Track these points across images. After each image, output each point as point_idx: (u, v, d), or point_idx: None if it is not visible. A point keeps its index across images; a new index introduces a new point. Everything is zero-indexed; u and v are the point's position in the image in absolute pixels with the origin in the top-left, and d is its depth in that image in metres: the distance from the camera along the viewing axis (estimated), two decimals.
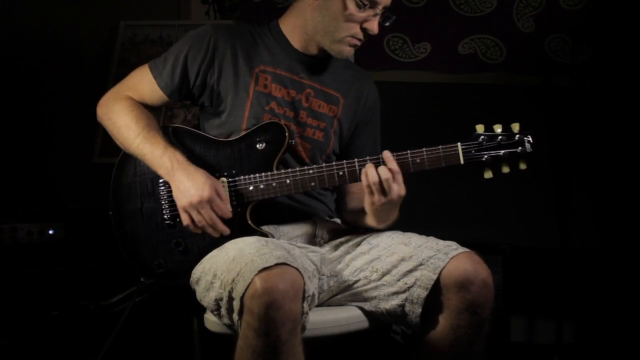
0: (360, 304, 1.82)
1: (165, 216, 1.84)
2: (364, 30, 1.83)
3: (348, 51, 1.86)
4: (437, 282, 1.69)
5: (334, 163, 1.78)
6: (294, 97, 1.90)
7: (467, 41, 3.09)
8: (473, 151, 1.71)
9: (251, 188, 1.80)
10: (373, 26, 1.82)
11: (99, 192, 2.08)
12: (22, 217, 2.50)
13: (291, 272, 1.56)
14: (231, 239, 1.77)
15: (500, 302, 2.56)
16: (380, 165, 1.71)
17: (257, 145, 1.83)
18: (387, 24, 1.85)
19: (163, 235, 1.84)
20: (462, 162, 1.72)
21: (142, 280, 1.88)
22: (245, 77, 1.87)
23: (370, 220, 1.84)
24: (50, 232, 2.50)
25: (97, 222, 2.57)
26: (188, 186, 1.74)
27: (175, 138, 1.86)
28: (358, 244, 1.88)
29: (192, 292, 1.81)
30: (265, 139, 1.83)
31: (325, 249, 1.92)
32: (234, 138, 1.86)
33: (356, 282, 1.82)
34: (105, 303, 2.43)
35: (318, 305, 1.80)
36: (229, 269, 1.62)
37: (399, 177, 1.71)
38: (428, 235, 1.84)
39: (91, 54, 3.19)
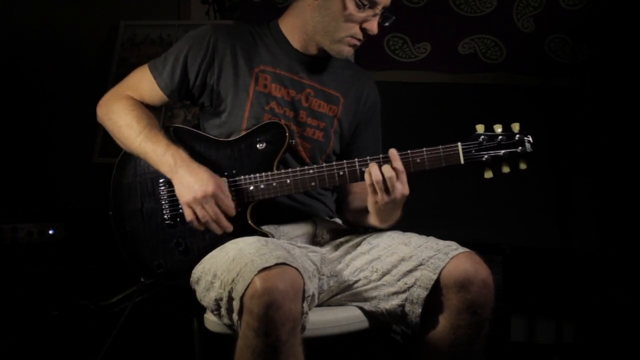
0: (360, 304, 1.82)
1: (166, 216, 1.84)
2: (363, 30, 1.83)
3: (347, 51, 1.86)
4: (437, 282, 1.69)
5: (334, 163, 1.78)
6: (293, 97, 1.90)
7: (467, 41, 3.09)
8: (473, 151, 1.71)
9: (251, 188, 1.80)
10: (372, 26, 1.82)
11: (99, 192, 2.08)
12: (22, 217, 2.50)
13: (291, 272, 1.56)
14: (232, 238, 1.77)
15: (500, 302, 2.56)
16: (383, 164, 1.71)
17: (258, 145, 1.83)
18: (387, 24, 1.85)
19: (163, 235, 1.84)
20: (462, 162, 1.72)
21: (142, 280, 1.88)
22: (245, 77, 1.87)
23: (372, 220, 1.84)
24: (50, 232, 2.50)
25: (97, 222, 2.57)
26: (192, 182, 1.73)
27: (176, 138, 1.86)
28: (358, 244, 1.88)
29: (192, 292, 1.81)
30: (266, 138, 1.83)
31: (326, 249, 1.92)
32: (234, 138, 1.86)
33: (356, 282, 1.82)
34: (105, 303, 2.43)
35: (318, 305, 1.80)
36: (229, 269, 1.62)
37: (403, 177, 1.71)
38: (428, 235, 1.84)
39: (91, 54, 3.19)
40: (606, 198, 2.98)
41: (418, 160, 1.73)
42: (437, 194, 2.93)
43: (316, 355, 1.66)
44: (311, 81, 1.93)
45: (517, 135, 1.70)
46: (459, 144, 1.72)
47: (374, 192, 1.72)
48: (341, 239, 1.94)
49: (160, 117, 2.85)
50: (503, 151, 1.70)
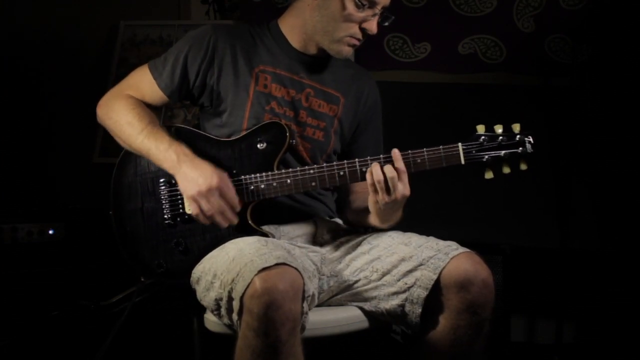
0: (360, 304, 1.82)
1: (166, 216, 1.84)
2: (362, 30, 1.83)
3: (347, 51, 1.86)
4: (437, 282, 1.69)
5: (334, 163, 1.78)
6: (293, 96, 1.90)
7: (467, 41, 3.09)
8: (474, 151, 1.71)
9: (252, 188, 1.80)
10: (372, 26, 1.82)
11: (99, 192, 2.08)
12: (22, 217, 2.50)
13: (291, 272, 1.56)
14: (232, 238, 1.77)
15: (500, 302, 2.56)
16: (385, 164, 1.71)
17: (258, 145, 1.83)
18: (387, 23, 1.85)
19: (163, 235, 1.84)
20: (462, 162, 1.72)
21: (142, 280, 1.88)
22: (245, 77, 1.87)
23: (373, 220, 1.84)
24: (50, 232, 2.50)
25: (97, 222, 2.57)
26: (196, 176, 1.73)
27: (177, 137, 1.86)
28: (358, 244, 1.88)
29: (192, 292, 1.81)
30: (266, 138, 1.83)
31: (326, 249, 1.92)
32: (234, 138, 1.86)
33: (356, 282, 1.82)
34: (105, 303, 2.43)
35: (318, 305, 1.81)
36: (228, 269, 1.62)
37: (405, 177, 1.71)
38: (428, 235, 1.84)
39: (91, 54, 3.19)
40: (606, 198, 2.98)
41: (419, 161, 1.73)
42: (437, 194, 2.93)
43: (316, 355, 1.65)
44: (311, 81, 1.93)
45: (518, 136, 1.70)
46: (460, 144, 1.72)
47: (375, 191, 1.72)
48: (341, 239, 1.94)
49: (160, 117, 2.85)
50: (504, 152, 1.70)
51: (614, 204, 2.97)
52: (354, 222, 1.99)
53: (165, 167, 1.79)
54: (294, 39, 1.91)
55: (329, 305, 1.87)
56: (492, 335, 1.75)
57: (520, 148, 1.70)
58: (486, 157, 1.71)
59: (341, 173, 1.77)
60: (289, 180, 1.79)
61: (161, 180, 1.85)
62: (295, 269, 1.57)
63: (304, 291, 1.58)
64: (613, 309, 2.89)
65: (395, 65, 3.13)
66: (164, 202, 1.84)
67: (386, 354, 2.38)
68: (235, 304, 1.57)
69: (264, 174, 1.79)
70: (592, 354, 2.96)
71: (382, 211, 1.78)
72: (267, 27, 1.95)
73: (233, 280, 1.58)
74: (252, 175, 1.80)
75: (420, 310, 1.72)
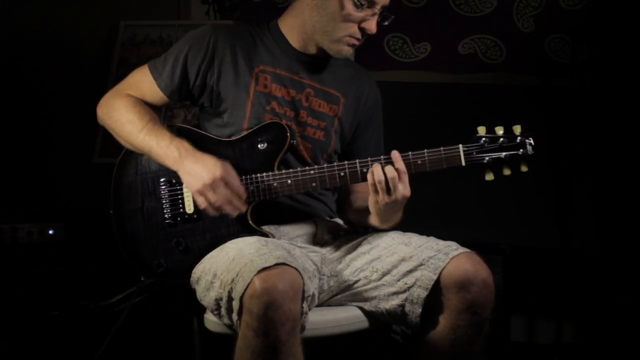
0: (360, 304, 1.82)
1: (166, 215, 1.84)
2: (362, 29, 1.83)
3: (347, 50, 1.86)
4: (437, 283, 1.69)
5: (335, 164, 1.78)
6: (294, 96, 1.90)
7: (467, 41, 3.09)
8: (474, 153, 1.71)
9: (252, 188, 1.80)
10: (371, 26, 1.82)
11: (99, 192, 2.08)
12: (22, 217, 2.50)
13: (290, 272, 1.56)
14: (233, 238, 1.77)
15: (500, 302, 2.56)
16: (386, 165, 1.71)
17: (259, 145, 1.83)
18: (386, 23, 1.85)
19: (163, 235, 1.84)
20: (463, 163, 1.72)
21: (142, 279, 1.88)
22: (245, 77, 1.87)
23: (373, 220, 1.85)
24: (50, 232, 2.50)
25: (97, 222, 2.57)
26: (199, 169, 1.73)
27: (178, 136, 1.86)
28: (358, 244, 1.88)
29: (192, 292, 1.81)
30: (267, 139, 1.83)
31: (326, 249, 1.92)
32: (235, 138, 1.86)
33: (356, 282, 1.82)
34: (105, 303, 2.43)
35: (318, 305, 1.80)
36: (228, 269, 1.62)
37: (405, 178, 1.71)
38: (428, 235, 1.84)
39: (91, 54, 3.19)
40: (606, 198, 2.98)
41: (419, 162, 1.73)
42: (437, 193, 2.93)
43: (316, 355, 1.65)
44: (311, 81, 1.93)
45: (519, 138, 1.70)
46: (460, 145, 1.72)
47: (376, 192, 1.72)
48: (341, 239, 1.94)
49: (160, 116, 2.84)
50: (504, 153, 1.70)
51: (614, 204, 2.97)
52: (354, 222, 1.99)
53: (167, 163, 1.79)
54: (294, 39, 1.91)
55: (329, 305, 1.87)
56: (492, 335, 1.75)
57: (521, 150, 1.70)
58: (487, 158, 1.71)
59: (342, 174, 1.77)
60: (289, 181, 1.79)
61: (161, 179, 1.85)
62: (295, 269, 1.57)
63: (303, 291, 1.58)
64: (613, 309, 2.89)
65: (395, 65, 3.14)
66: (164, 201, 1.84)
67: (386, 354, 2.38)
68: (235, 304, 1.57)
69: (264, 174, 1.79)
70: (592, 354, 2.96)
71: (383, 212, 1.78)
72: (267, 27, 1.95)
73: (233, 280, 1.58)
74: (253, 176, 1.80)
75: (420, 310, 1.72)
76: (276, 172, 1.80)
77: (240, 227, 1.80)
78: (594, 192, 2.99)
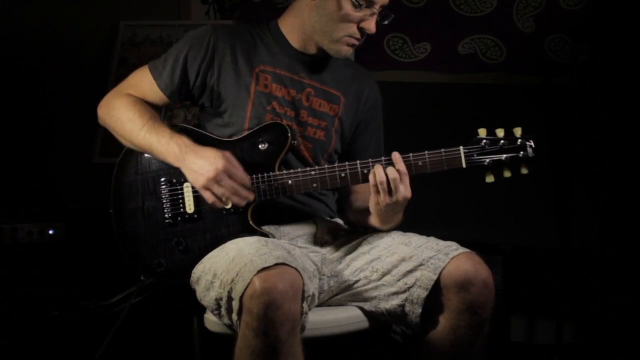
0: (360, 304, 1.82)
1: (166, 215, 1.84)
2: (361, 29, 1.83)
3: (346, 50, 1.86)
4: (437, 283, 1.69)
5: (336, 165, 1.78)
6: (294, 96, 1.90)
7: (467, 41, 3.09)
8: (475, 155, 1.72)
9: (252, 189, 1.79)
10: (370, 25, 1.82)
11: (99, 192, 2.08)
12: (22, 217, 2.50)
13: (290, 272, 1.56)
14: (233, 238, 1.77)
15: (500, 302, 2.56)
16: (387, 166, 1.71)
17: (260, 146, 1.83)
18: (386, 22, 1.85)
19: (164, 234, 1.84)
20: (464, 165, 1.72)
21: (142, 278, 1.88)
22: (246, 77, 1.87)
23: (373, 221, 1.85)
24: (50, 232, 2.50)
25: (97, 222, 2.57)
26: (201, 164, 1.73)
27: None
28: (359, 244, 1.88)
29: (192, 292, 1.81)
30: (268, 139, 1.83)
31: (326, 249, 1.92)
32: (236, 138, 1.86)
33: (356, 282, 1.82)
34: (105, 303, 2.43)
35: (318, 305, 1.81)
36: (228, 268, 1.62)
37: (406, 179, 1.71)
38: (428, 235, 1.84)
39: (91, 54, 3.19)
40: (606, 198, 2.98)
41: (420, 163, 1.73)
42: (436, 194, 2.93)
43: (316, 355, 1.65)
44: (311, 80, 1.93)
45: (519, 140, 1.70)
46: (461, 147, 1.72)
47: (377, 192, 1.73)
48: (342, 239, 1.94)
49: (160, 116, 2.85)
50: (505, 155, 1.71)
51: (614, 204, 2.97)
52: (354, 222, 1.99)
53: (169, 160, 1.79)
54: (294, 39, 1.91)
55: (329, 305, 1.87)
56: (492, 335, 1.75)
57: (522, 152, 1.70)
58: (487, 160, 1.71)
59: (342, 175, 1.77)
60: (290, 181, 1.79)
61: (162, 179, 1.85)
62: (295, 269, 1.57)
63: (303, 291, 1.58)
64: (613, 309, 2.89)
65: (395, 65, 3.13)
66: (164, 201, 1.84)
67: (386, 354, 2.38)
68: (235, 304, 1.57)
69: (265, 174, 1.79)
70: (592, 354, 2.96)
71: (383, 212, 1.78)
72: (267, 27, 1.95)
73: (233, 280, 1.58)
74: (254, 176, 1.80)
75: (420, 310, 1.72)
76: (277, 173, 1.80)
77: (241, 227, 1.81)
78: (594, 192, 2.99)
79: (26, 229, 2.47)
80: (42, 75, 3.16)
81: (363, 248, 1.86)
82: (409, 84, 3.11)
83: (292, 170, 1.80)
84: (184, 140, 1.78)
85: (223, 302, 1.64)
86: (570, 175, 2.89)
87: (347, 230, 2.00)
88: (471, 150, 1.72)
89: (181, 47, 1.89)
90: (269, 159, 1.82)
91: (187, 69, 1.88)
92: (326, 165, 1.79)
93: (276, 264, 1.55)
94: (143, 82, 1.91)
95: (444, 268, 1.69)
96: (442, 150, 1.72)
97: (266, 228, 1.83)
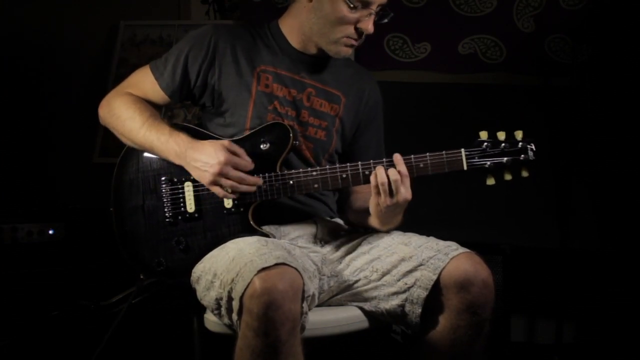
0: (360, 304, 1.82)
1: (167, 214, 1.84)
2: (358, 30, 1.83)
3: (345, 51, 1.86)
4: (437, 283, 1.69)
5: (337, 165, 1.78)
6: (295, 96, 1.90)
7: (467, 41, 3.09)
8: (476, 157, 1.72)
9: (253, 189, 1.79)
10: (367, 26, 1.82)
11: (99, 192, 2.09)
12: (22, 217, 2.50)
13: (290, 272, 1.56)
14: (234, 238, 1.77)
15: (500, 302, 2.56)
16: (389, 168, 1.71)
17: (261, 146, 1.83)
18: (386, 20, 1.84)
19: (164, 233, 1.84)
20: (465, 168, 1.72)
21: (141, 277, 1.88)
22: (247, 77, 1.87)
23: (373, 221, 1.85)
24: (50, 232, 2.50)
25: (97, 222, 2.57)
26: (204, 160, 1.73)
27: None
28: (358, 244, 1.88)
29: (192, 292, 1.81)
30: (270, 139, 1.83)
31: (326, 249, 1.92)
32: (237, 138, 1.85)
33: (356, 282, 1.82)
34: (105, 303, 2.43)
35: (318, 305, 1.80)
36: (228, 268, 1.62)
37: (407, 181, 1.71)
38: (428, 235, 1.84)
39: (91, 54, 3.19)
40: (606, 198, 2.98)
41: (421, 165, 1.73)
42: (436, 194, 2.93)
43: (316, 355, 1.65)
44: (312, 80, 1.93)
45: (520, 143, 1.71)
46: (462, 150, 1.72)
47: (378, 194, 1.73)
48: (342, 239, 1.94)
49: (160, 115, 2.85)
50: (506, 158, 1.71)
51: (614, 204, 2.97)
52: (354, 222, 1.99)
53: (170, 158, 1.80)
54: (294, 39, 1.91)
55: (329, 305, 1.87)
56: (492, 335, 1.75)
57: (522, 155, 1.70)
58: (488, 163, 1.72)
59: (344, 176, 1.77)
60: (291, 182, 1.79)
61: (163, 178, 1.85)
62: (295, 269, 1.57)
63: (303, 291, 1.58)
64: (613, 309, 2.89)
65: (395, 65, 3.13)
66: (165, 200, 1.84)
67: (386, 354, 2.38)
68: (235, 304, 1.57)
69: (266, 174, 1.79)
70: (592, 354, 2.96)
71: (384, 214, 1.78)
72: (268, 27, 1.95)
73: (233, 280, 1.58)
74: (254, 176, 1.79)
75: (420, 310, 1.72)
76: (278, 173, 1.80)
77: (241, 226, 1.81)
78: (594, 192, 2.99)
79: (26, 229, 2.47)
80: (42, 75, 3.16)
81: (363, 248, 1.86)
82: (409, 84, 3.12)
83: (293, 171, 1.80)
84: (183, 137, 1.78)
85: (223, 302, 1.64)
86: (570, 175, 2.89)
87: (348, 230, 2.00)
88: (472, 152, 1.72)
89: (182, 47, 1.89)
90: (271, 159, 1.82)
91: (188, 68, 1.88)
92: (327, 166, 1.79)
93: (276, 264, 1.55)
94: (144, 82, 1.91)
95: (443, 268, 1.69)
96: (444, 152, 1.73)
97: (266, 228, 1.83)
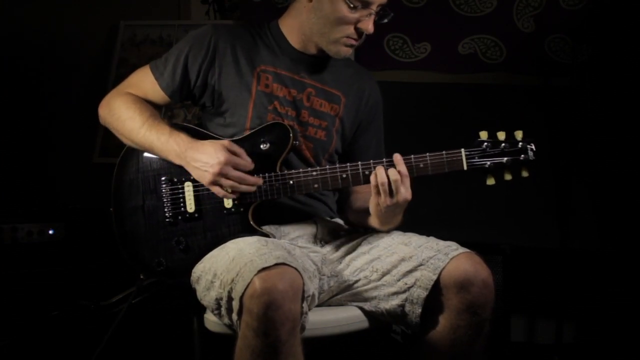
0: (360, 304, 1.82)
1: (167, 214, 1.84)
2: (358, 30, 1.83)
3: (345, 51, 1.86)
4: (437, 283, 1.69)
5: (337, 166, 1.78)
6: (295, 96, 1.90)
7: (467, 41, 3.09)
8: (476, 157, 1.72)
9: (254, 189, 1.80)
10: (367, 26, 1.82)
11: (99, 192, 2.08)
12: (22, 217, 2.50)
13: (290, 272, 1.56)
14: (234, 238, 1.77)
15: (500, 302, 2.56)
16: (389, 168, 1.72)
17: (261, 146, 1.83)
18: (386, 20, 1.84)
19: (164, 233, 1.84)
20: (465, 168, 1.73)
21: (141, 277, 1.88)
22: (247, 77, 1.87)
23: (373, 222, 1.85)
24: (50, 232, 2.50)
25: (97, 222, 2.57)
26: (204, 160, 1.73)
27: None
28: (358, 244, 1.88)
29: (192, 292, 1.81)
30: (270, 139, 1.83)
31: (326, 249, 1.92)
32: (237, 138, 1.85)
33: (356, 282, 1.82)
34: (105, 303, 2.43)
35: (318, 305, 1.80)
36: (228, 268, 1.62)
37: (407, 181, 1.72)
38: (428, 235, 1.84)
39: (91, 54, 3.19)
40: (606, 198, 2.98)
41: (421, 165, 1.73)
42: (437, 193, 2.93)
43: (316, 355, 1.65)
44: (312, 80, 1.93)
45: (520, 143, 1.71)
46: (462, 150, 1.72)
47: (378, 194, 1.73)
48: (342, 239, 1.94)
49: (160, 116, 2.85)
50: (506, 158, 1.71)
51: (614, 204, 2.97)
52: (354, 222, 1.99)
53: (170, 158, 1.80)
54: (294, 39, 1.91)
55: (329, 305, 1.87)
56: (492, 335, 1.75)
57: (522, 155, 1.70)
58: (488, 163, 1.72)
59: (344, 176, 1.77)
60: (291, 182, 1.79)
61: (163, 178, 1.85)
62: (295, 269, 1.57)
63: (303, 291, 1.58)
64: (613, 309, 2.89)
65: (395, 65, 3.13)
66: (165, 200, 1.84)
67: (386, 354, 2.38)
68: (235, 304, 1.57)
69: (266, 174, 1.79)
70: (592, 354, 2.96)
71: (384, 214, 1.78)
72: (268, 27, 1.95)
73: (233, 280, 1.58)
74: (255, 176, 1.79)
75: (420, 310, 1.72)
76: (278, 173, 1.80)
77: (241, 226, 1.81)
78: (594, 192, 2.99)
79: (26, 229, 2.47)
80: (42, 75, 3.17)
81: (363, 248, 1.86)
82: (409, 84, 3.11)
83: (293, 171, 1.80)
84: (183, 137, 1.78)
85: (223, 302, 1.64)
86: (570, 175, 2.89)
87: (348, 230, 2.00)
88: (472, 152, 1.72)
89: (182, 47, 1.89)
90: (271, 159, 1.82)
91: (188, 68, 1.88)
92: (327, 166, 1.79)
93: (276, 264, 1.55)
94: (144, 82, 1.91)
95: (443, 268, 1.69)
96: (444, 152, 1.73)
97: (266, 228, 1.83)
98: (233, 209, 1.81)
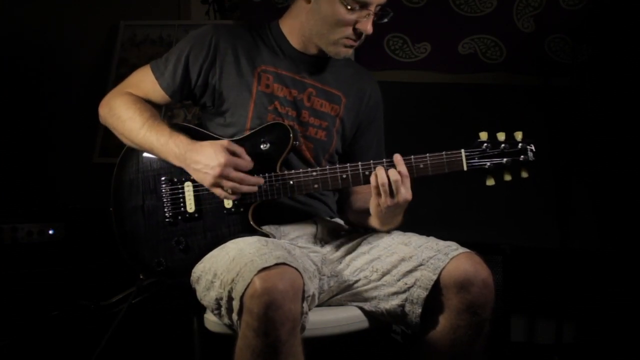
0: (360, 304, 1.82)
1: (167, 214, 1.84)
2: (356, 30, 1.82)
3: (345, 52, 1.86)
4: (437, 283, 1.69)
5: (337, 166, 1.78)
6: (295, 96, 1.90)
7: (467, 41, 3.09)
8: (476, 158, 1.72)
9: (255, 189, 1.79)
10: (366, 27, 1.81)
11: (99, 192, 2.08)
12: (22, 217, 2.50)
13: (291, 272, 1.56)
14: (234, 238, 1.77)
15: (500, 302, 2.56)
16: (389, 168, 1.72)
17: (261, 146, 1.83)
18: (386, 20, 1.84)
19: (164, 233, 1.84)
20: (465, 168, 1.73)
21: (141, 277, 1.88)
22: (248, 77, 1.87)
23: (373, 222, 1.85)
24: (50, 232, 2.50)
25: (97, 222, 2.57)
26: (204, 162, 1.73)
27: None
28: (358, 244, 1.88)
29: (192, 292, 1.81)
30: (270, 139, 1.83)
31: (326, 249, 1.92)
32: (237, 138, 1.85)
33: (356, 282, 1.82)
34: (105, 303, 2.43)
35: (318, 305, 1.80)
36: (228, 268, 1.62)
37: (407, 182, 1.72)
38: (428, 235, 1.84)
39: (91, 54, 3.19)
40: (606, 198, 2.98)
41: (421, 166, 1.73)
42: (437, 194, 2.93)
43: (316, 355, 1.65)
44: (313, 81, 1.93)
45: (520, 144, 1.71)
46: (462, 150, 1.72)
47: (378, 194, 1.73)
48: (342, 239, 1.94)
49: (160, 116, 2.85)
50: (506, 159, 1.71)
51: (614, 204, 2.97)
52: (354, 223, 1.99)
53: (170, 160, 1.80)
54: (294, 40, 1.91)
55: (329, 305, 1.87)
56: (492, 335, 1.75)
57: (522, 156, 1.71)
58: (488, 164, 1.72)
59: (344, 176, 1.77)
60: (291, 182, 1.79)
61: (163, 178, 1.85)
62: (295, 269, 1.57)
63: (304, 291, 1.58)
64: (613, 309, 2.89)
65: (395, 65, 3.14)
66: (165, 200, 1.84)
67: (386, 354, 2.38)
68: (235, 304, 1.57)
69: (266, 175, 1.79)
70: (592, 354, 2.96)
71: (383, 214, 1.78)
72: (268, 28, 1.95)
73: (233, 280, 1.58)
74: (255, 176, 1.79)
75: (420, 310, 1.72)
76: (278, 173, 1.80)
77: (241, 226, 1.81)
78: (594, 192, 2.99)
79: (26, 229, 2.47)
80: (42, 75, 3.17)
81: (363, 248, 1.86)
82: (409, 84, 3.11)
83: (293, 171, 1.80)
84: (182, 139, 1.78)
85: (223, 302, 1.64)
86: (570, 175, 2.89)
87: (348, 230, 2.00)
88: (472, 153, 1.72)
89: (183, 47, 1.89)
90: (271, 159, 1.82)
91: (189, 68, 1.88)
92: (327, 166, 1.79)
93: (276, 264, 1.55)
94: (145, 82, 1.91)
95: (443, 268, 1.69)
96: (444, 153, 1.73)
97: (266, 228, 1.83)
98: (233, 209, 1.81)
